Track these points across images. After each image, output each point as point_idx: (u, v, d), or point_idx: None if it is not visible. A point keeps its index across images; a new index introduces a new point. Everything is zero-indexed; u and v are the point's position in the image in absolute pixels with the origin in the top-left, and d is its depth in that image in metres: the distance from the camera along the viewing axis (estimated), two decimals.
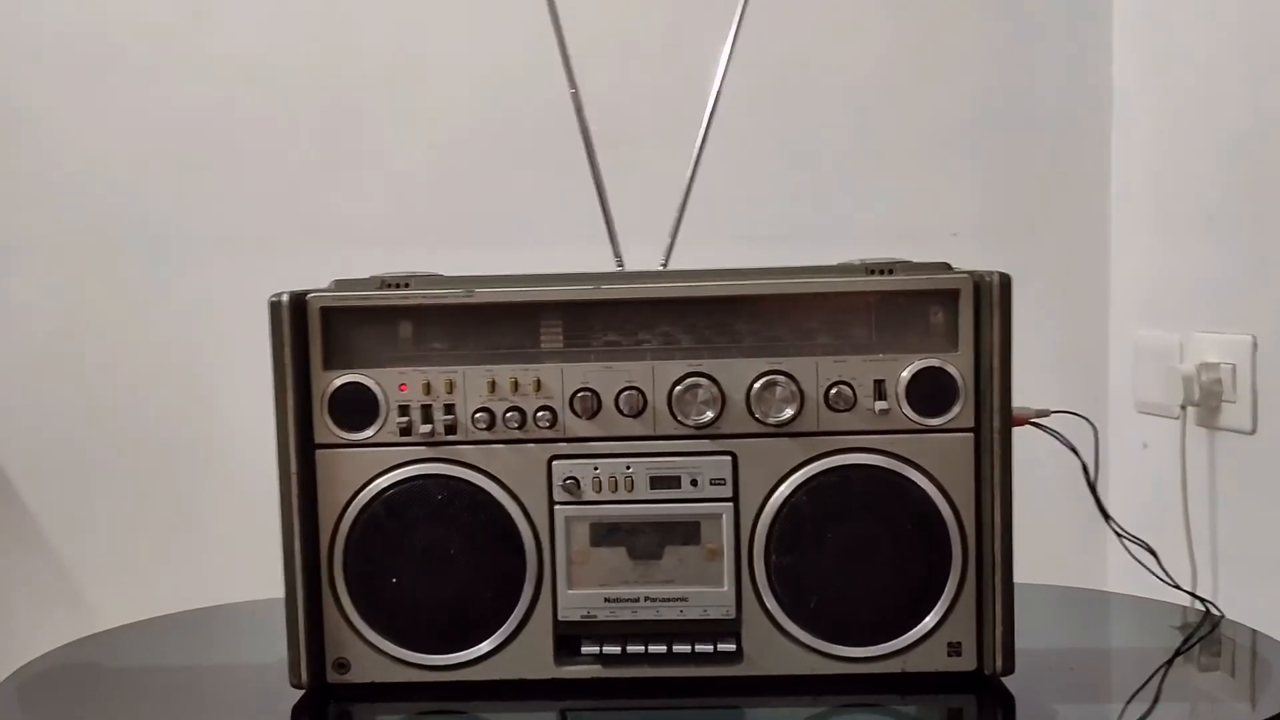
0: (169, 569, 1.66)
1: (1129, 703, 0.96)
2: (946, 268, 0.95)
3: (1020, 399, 0.94)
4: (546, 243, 1.48)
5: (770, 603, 0.94)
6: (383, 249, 1.33)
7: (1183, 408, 1.42)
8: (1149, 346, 1.52)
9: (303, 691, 0.95)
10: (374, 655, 0.95)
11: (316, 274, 1.01)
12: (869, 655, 0.94)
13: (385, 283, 0.95)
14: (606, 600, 0.95)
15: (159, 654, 1.14)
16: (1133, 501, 1.42)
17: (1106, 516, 1.07)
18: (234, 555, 1.38)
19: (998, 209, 1.62)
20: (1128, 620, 1.22)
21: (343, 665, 0.96)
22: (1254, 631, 1.08)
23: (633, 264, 1.10)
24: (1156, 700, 0.97)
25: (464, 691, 0.95)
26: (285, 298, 0.93)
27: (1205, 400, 1.39)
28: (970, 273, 0.93)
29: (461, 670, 0.95)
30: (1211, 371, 1.39)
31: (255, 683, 1.03)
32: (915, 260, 0.95)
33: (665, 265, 1.10)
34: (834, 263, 0.97)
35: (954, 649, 0.94)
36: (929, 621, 0.94)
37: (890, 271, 0.94)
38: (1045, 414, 1.01)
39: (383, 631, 0.95)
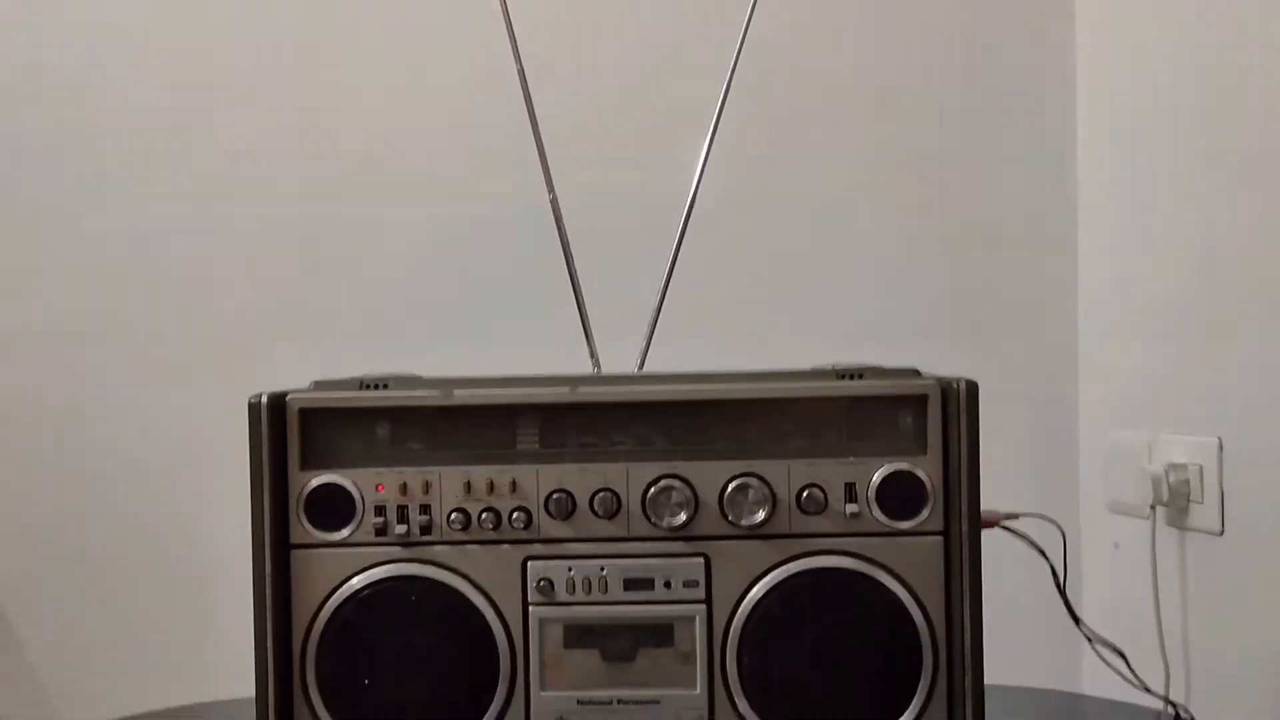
0: (148, 666, 1.64)
1: None
2: (915, 374, 0.97)
3: (991, 501, 0.96)
4: (525, 343, 1.49)
5: (743, 706, 0.94)
6: (364, 348, 1.34)
7: (1152, 508, 1.43)
8: (1119, 447, 1.54)
9: None
10: None
11: (298, 373, 1.01)
12: None
13: (364, 384, 0.97)
14: (580, 703, 0.95)
15: None
16: (1105, 601, 1.43)
17: (1077, 620, 1.08)
18: (218, 652, 1.37)
19: (967, 313, 1.66)
20: None
21: None
22: None
23: (610, 362, 1.11)
24: None
25: None
26: (264, 398, 0.94)
27: (1174, 500, 1.41)
28: (938, 379, 0.95)
29: None
30: (1180, 472, 1.40)
31: None
32: (885, 365, 0.97)
33: (640, 368, 1.11)
34: (807, 366, 0.99)
35: None
36: None
37: (860, 376, 0.96)
38: (1015, 517, 1.03)
39: None
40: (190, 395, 1.64)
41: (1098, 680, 1.21)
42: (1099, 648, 1.10)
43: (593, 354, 1.12)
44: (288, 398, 0.95)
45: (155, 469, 1.65)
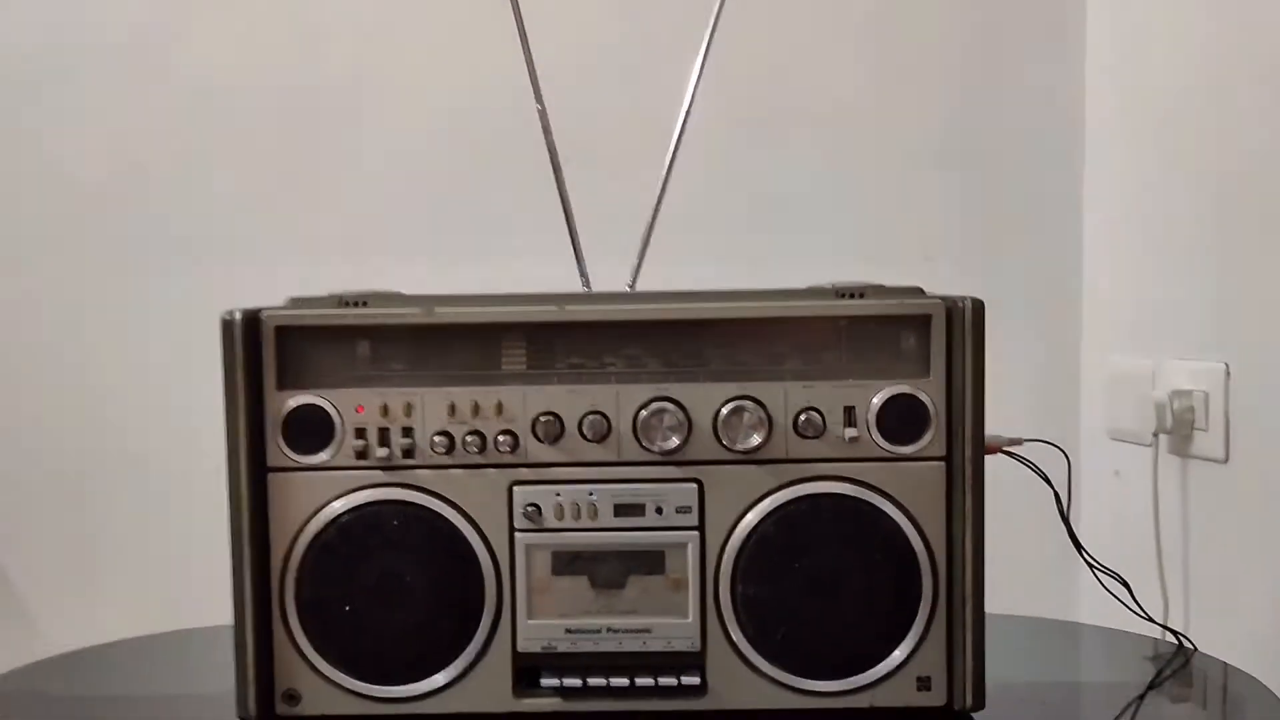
0: (122, 588, 1.62)
1: None
2: (919, 292, 0.93)
3: (992, 427, 0.92)
4: (512, 259, 1.45)
5: (736, 635, 0.91)
6: (343, 264, 1.30)
7: (1155, 435, 1.40)
8: (1122, 373, 1.51)
9: None
10: (326, 687, 0.92)
11: (277, 290, 0.97)
12: (837, 690, 0.92)
13: (343, 301, 0.92)
14: (568, 631, 0.92)
15: (105, 683, 1.10)
16: (1105, 530, 1.40)
17: (1079, 547, 1.05)
18: (191, 578, 1.34)
19: (971, 234, 1.61)
20: (1100, 653, 1.20)
21: (293, 697, 0.93)
22: (1225, 665, 1.06)
23: (600, 283, 1.07)
24: None
25: None
26: (238, 315, 0.90)
27: (1178, 428, 1.38)
28: (942, 298, 0.91)
29: (417, 703, 0.92)
30: (1184, 399, 1.37)
31: (202, 715, 0.99)
32: (887, 284, 0.93)
33: (633, 286, 1.07)
34: (805, 286, 0.95)
35: (923, 683, 0.92)
36: (898, 655, 0.91)
37: (861, 295, 0.92)
38: (1018, 442, 0.99)
39: (335, 662, 0.92)
40: (169, 312, 1.59)
41: (1097, 609, 1.18)
42: (1101, 576, 1.07)
43: (582, 272, 1.08)
44: (262, 315, 0.91)
45: (132, 387, 1.61)
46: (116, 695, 1.08)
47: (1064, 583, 1.46)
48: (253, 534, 0.91)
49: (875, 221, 1.60)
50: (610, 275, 1.07)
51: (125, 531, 1.63)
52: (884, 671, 0.92)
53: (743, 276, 0.99)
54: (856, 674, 0.92)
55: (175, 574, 1.58)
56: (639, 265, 1.08)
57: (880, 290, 0.92)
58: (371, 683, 0.92)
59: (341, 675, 0.92)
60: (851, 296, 0.92)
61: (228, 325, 0.90)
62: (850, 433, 0.91)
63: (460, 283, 0.95)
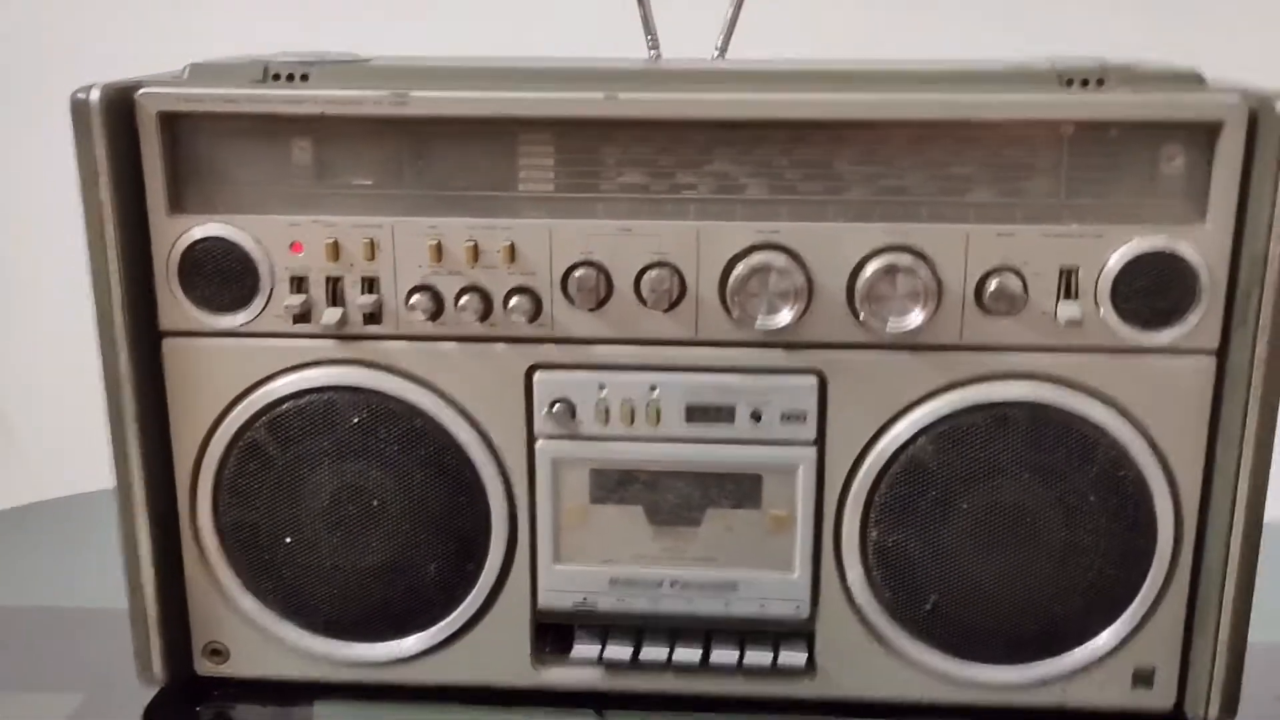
0: None
1: None
2: (1196, 81, 0.57)
3: None
4: (537, 12, 0.99)
5: (864, 598, 0.62)
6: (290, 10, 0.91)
7: None
8: None
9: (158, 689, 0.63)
10: (262, 641, 0.65)
11: (170, 51, 0.63)
12: (1012, 681, 0.63)
13: (271, 72, 0.58)
14: (613, 582, 0.63)
15: None
16: None
17: None
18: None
19: None
20: None
21: (217, 652, 0.65)
22: None
23: (674, 47, 0.71)
24: None
25: (396, 696, 0.65)
26: (96, 94, 0.56)
27: None
28: (1243, 92, 0.55)
29: (393, 669, 0.64)
30: None
31: (94, 669, 0.70)
32: (1138, 63, 0.57)
33: (720, 52, 0.71)
34: (995, 63, 0.60)
35: (1143, 677, 0.62)
36: (1107, 637, 0.62)
37: (1100, 83, 0.56)
38: None
39: (276, 608, 0.64)
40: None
41: None
42: None
43: (649, 31, 0.71)
44: (139, 94, 0.57)
45: None
46: None
47: None
48: (144, 427, 0.60)
49: None
50: (682, 37, 0.71)
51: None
52: (1085, 659, 0.62)
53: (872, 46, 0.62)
54: (1042, 659, 0.62)
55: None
56: (732, 23, 0.71)
57: (1129, 74, 0.56)
58: (328, 637, 0.64)
59: (285, 626, 0.64)
60: (1085, 85, 0.56)
61: (81, 110, 0.57)
62: (1068, 309, 0.57)
63: (455, 47, 0.60)
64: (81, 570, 0.79)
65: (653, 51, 0.71)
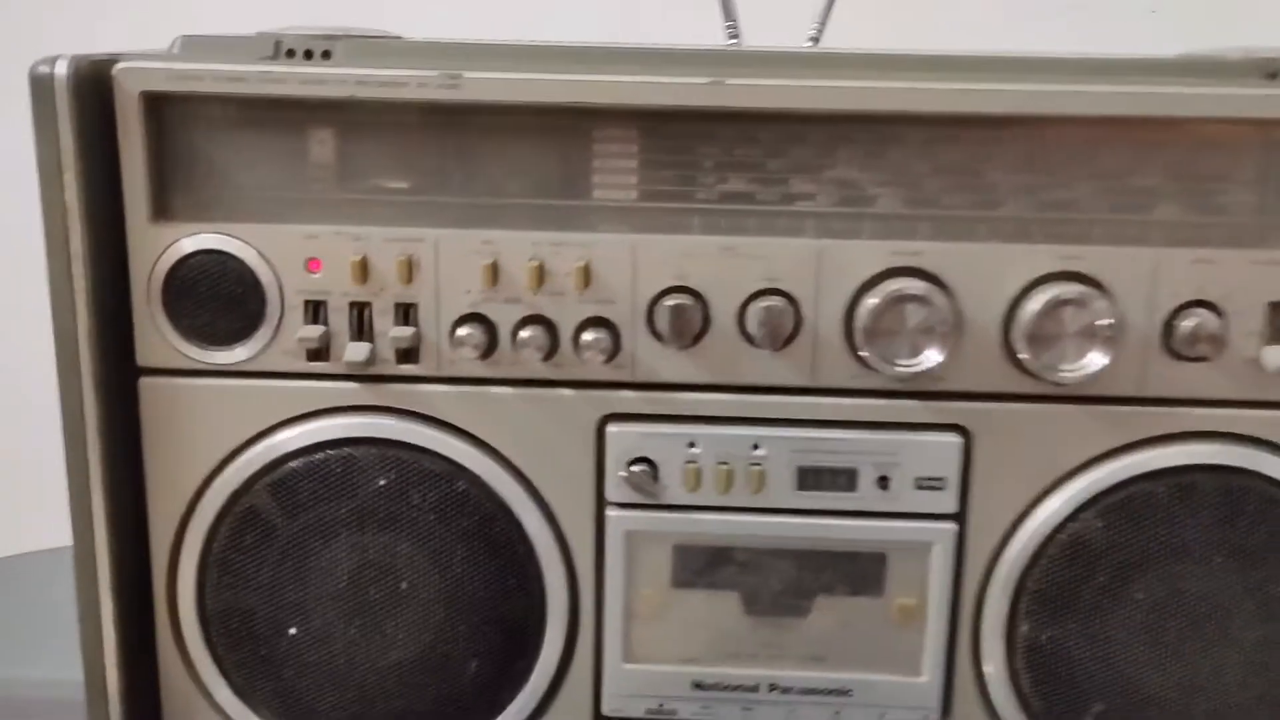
0: None
1: None
2: None
3: None
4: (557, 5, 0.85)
5: (1008, 708, 0.49)
6: None
7: None
8: None
9: None
10: None
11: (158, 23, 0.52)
12: None
13: (285, 48, 0.47)
14: (697, 685, 0.50)
15: None
16: None
17: None
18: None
19: None
20: None
21: None
22: None
23: (756, 33, 0.60)
24: None
25: None
26: (63, 68, 0.44)
27: None
28: None
29: None
30: None
31: None
32: None
33: (817, 41, 0.60)
34: (1167, 56, 0.50)
35: None
36: None
37: None
38: None
39: (274, 714, 0.50)
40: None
41: None
42: None
43: (730, 17, 0.60)
44: (118, 69, 0.45)
45: None
46: None
47: None
48: (110, 489, 0.48)
49: None
50: (771, 29, 0.60)
51: None
52: None
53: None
54: None
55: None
56: (829, 6, 0.60)
57: None
58: None
59: None
60: None
61: (43, 86, 0.45)
62: (1276, 355, 0.46)
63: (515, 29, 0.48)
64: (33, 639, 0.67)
65: (733, 41, 0.60)
